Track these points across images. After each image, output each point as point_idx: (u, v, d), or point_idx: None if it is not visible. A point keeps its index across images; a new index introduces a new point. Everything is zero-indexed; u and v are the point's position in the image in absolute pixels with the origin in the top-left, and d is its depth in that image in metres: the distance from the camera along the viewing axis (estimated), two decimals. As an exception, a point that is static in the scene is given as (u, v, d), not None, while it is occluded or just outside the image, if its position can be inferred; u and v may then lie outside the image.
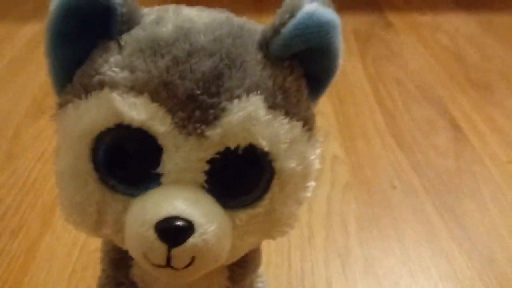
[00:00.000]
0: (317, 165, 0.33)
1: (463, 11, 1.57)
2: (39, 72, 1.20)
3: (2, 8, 1.56)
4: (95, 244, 0.72)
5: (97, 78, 0.29)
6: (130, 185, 0.30)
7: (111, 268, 0.39)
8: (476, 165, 0.91)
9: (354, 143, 0.96)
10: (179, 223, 0.27)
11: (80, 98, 0.30)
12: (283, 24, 0.29)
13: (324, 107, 1.06)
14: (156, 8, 0.32)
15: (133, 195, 0.30)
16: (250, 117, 0.28)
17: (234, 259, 0.34)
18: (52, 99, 1.00)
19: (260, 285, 0.55)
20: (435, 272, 0.71)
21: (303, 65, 0.32)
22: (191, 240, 0.28)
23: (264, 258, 0.48)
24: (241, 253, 0.34)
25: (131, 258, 0.37)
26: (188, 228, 0.27)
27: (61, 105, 0.31)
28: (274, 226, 0.33)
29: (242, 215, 0.30)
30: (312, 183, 0.34)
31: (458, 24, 1.49)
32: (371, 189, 0.85)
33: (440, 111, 1.07)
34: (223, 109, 0.28)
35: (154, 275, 0.37)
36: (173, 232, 0.27)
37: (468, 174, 0.89)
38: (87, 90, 0.29)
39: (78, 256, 0.71)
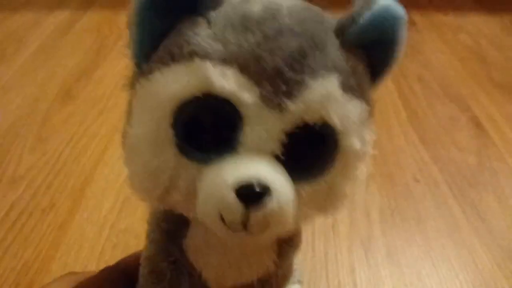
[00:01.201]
0: (370, 149, 0.35)
1: (485, 12, 1.58)
2: (67, 59, 1.23)
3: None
4: (125, 224, 0.75)
5: (188, 48, 0.30)
6: (207, 153, 0.31)
7: (164, 239, 0.40)
8: (497, 162, 0.92)
9: (377, 137, 0.97)
10: (258, 187, 0.29)
11: (168, 65, 0.31)
12: (360, 14, 0.31)
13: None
14: None
15: (207, 163, 0.31)
16: (328, 95, 0.30)
17: (292, 230, 0.36)
18: (79, 85, 1.02)
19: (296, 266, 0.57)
20: (456, 263, 0.72)
21: (368, 55, 0.33)
22: (269, 205, 0.29)
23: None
24: (297, 225, 0.35)
25: (185, 229, 0.39)
26: (266, 192, 0.29)
27: (144, 74, 0.32)
28: (330, 202, 0.34)
29: (308, 188, 0.32)
30: (364, 166, 0.35)
31: (481, 25, 1.49)
32: (394, 181, 0.86)
33: (462, 108, 1.08)
34: (306, 85, 0.29)
35: (207, 246, 0.39)
36: (253, 194, 0.29)
37: (489, 170, 0.90)
38: (175, 59, 0.31)
39: (107, 235, 0.73)
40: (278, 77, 0.29)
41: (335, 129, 0.30)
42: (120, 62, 1.21)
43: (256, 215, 0.29)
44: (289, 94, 0.29)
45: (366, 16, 0.31)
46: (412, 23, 1.45)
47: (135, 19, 0.32)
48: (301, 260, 0.69)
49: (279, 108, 0.29)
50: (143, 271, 0.42)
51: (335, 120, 0.30)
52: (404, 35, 0.33)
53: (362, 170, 0.35)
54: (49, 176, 0.85)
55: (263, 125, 0.30)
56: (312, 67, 0.30)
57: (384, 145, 0.95)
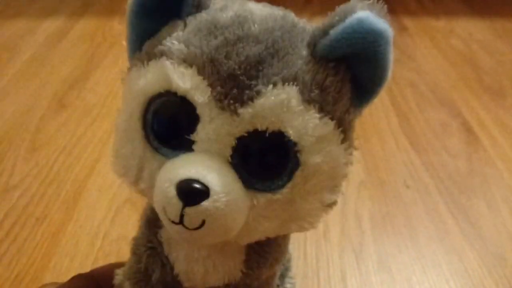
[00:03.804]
0: (345, 170, 0.34)
1: (476, 17, 1.59)
2: (60, 67, 1.23)
3: (23, 3, 1.59)
4: (118, 233, 0.75)
5: (159, 48, 0.33)
6: (168, 148, 0.33)
7: (145, 226, 0.42)
8: (487, 167, 0.93)
9: (368, 143, 0.98)
10: (196, 185, 0.30)
11: (142, 63, 0.33)
12: (332, 26, 0.31)
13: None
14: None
15: (168, 157, 0.33)
16: (282, 104, 0.30)
17: (249, 240, 0.36)
18: (73, 94, 1.02)
19: (288, 285, 0.57)
20: (446, 269, 0.72)
21: (351, 70, 0.33)
22: (204, 204, 0.30)
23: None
24: (256, 236, 0.35)
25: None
26: (204, 192, 0.30)
27: (128, 69, 0.35)
28: (292, 219, 0.34)
29: (261, 198, 0.32)
30: (340, 188, 0.35)
31: (472, 30, 1.50)
32: (385, 187, 0.87)
33: (453, 113, 1.09)
34: (258, 92, 0.30)
35: (177, 240, 0.40)
36: (190, 192, 0.30)
37: (480, 175, 0.91)
38: (149, 57, 0.33)
39: (100, 244, 0.74)
40: (231, 81, 0.30)
41: (291, 141, 0.31)
42: (113, 70, 1.21)
43: (190, 212, 0.30)
44: (240, 99, 0.30)
45: (338, 28, 0.30)
46: (403, 28, 1.46)
47: (128, 20, 0.34)
48: (293, 267, 0.70)
49: (230, 111, 0.30)
50: (131, 249, 0.45)
51: (289, 130, 0.30)
52: (385, 51, 0.31)
53: (337, 190, 0.34)
54: (42, 185, 0.85)
55: (213, 126, 0.31)
56: (268, 75, 0.31)
57: (375, 150, 0.96)
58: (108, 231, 0.76)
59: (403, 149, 0.97)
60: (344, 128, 0.33)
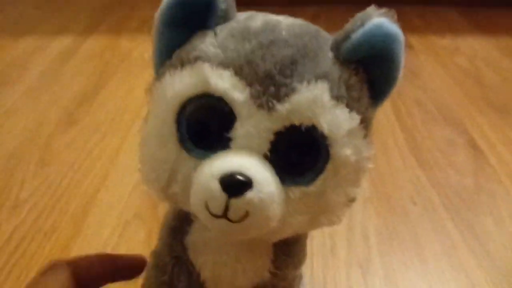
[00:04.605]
0: (367, 165, 0.37)
1: (481, 34, 1.60)
2: (69, 84, 1.25)
3: (34, 21, 1.62)
4: (125, 248, 0.76)
5: (194, 53, 0.34)
6: (203, 149, 0.34)
7: (169, 235, 0.43)
8: (494, 184, 0.93)
9: (375, 159, 0.98)
10: (240, 177, 0.31)
11: (176, 69, 0.35)
12: (352, 30, 0.34)
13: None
14: (248, 12, 0.38)
15: (201, 158, 0.34)
16: (315, 99, 0.33)
17: (281, 236, 0.38)
18: (82, 110, 1.03)
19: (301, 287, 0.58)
20: (453, 285, 0.72)
21: (367, 72, 0.36)
22: (249, 194, 0.31)
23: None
24: (289, 231, 0.37)
25: (188, 226, 0.42)
26: (248, 184, 0.31)
27: (158, 78, 0.36)
28: (322, 211, 0.36)
29: (296, 191, 0.34)
30: (361, 183, 0.37)
31: (477, 47, 1.51)
32: (391, 204, 0.87)
33: (458, 130, 1.10)
34: (293, 89, 0.32)
35: (205, 245, 0.41)
36: (234, 184, 0.31)
37: (486, 192, 0.91)
38: (183, 63, 0.35)
39: (109, 259, 0.74)
40: (268, 80, 0.33)
41: (323, 134, 0.33)
42: (122, 87, 1.23)
43: (236, 203, 0.32)
44: (278, 96, 0.33)
45: (358, 32, 0.34)
46: (409, 46, 1.47)
47: (156, 32, 0.36)
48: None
49: (268, 107, 0.32)
50: (149, 264, 0.45)
51: (323, 124, 0.33)
52: (399, 53, 0.35)
53: (359, 184, 0.37)
54: (51, 200, 0.86)
55: (252, 122, 0.33)
56: (301, 73, 0.33)
57: (381, 167, 0.96)
58: (116, 246, 0.76)
59: (410, 166, 0.97)
60: (366, 124, 0.35)
